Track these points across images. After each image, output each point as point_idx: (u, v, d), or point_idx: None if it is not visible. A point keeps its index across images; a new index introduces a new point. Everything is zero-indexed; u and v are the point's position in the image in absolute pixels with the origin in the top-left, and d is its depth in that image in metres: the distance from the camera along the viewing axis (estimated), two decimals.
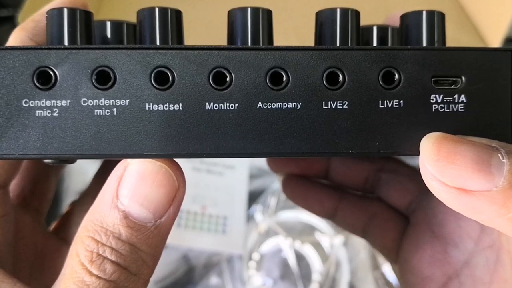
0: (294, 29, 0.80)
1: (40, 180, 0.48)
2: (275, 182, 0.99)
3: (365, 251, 0.93)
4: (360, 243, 0.90)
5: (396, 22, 0.38)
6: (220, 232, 0.96)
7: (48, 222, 0.51)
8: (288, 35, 0.79)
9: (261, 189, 1.00)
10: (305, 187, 0.57)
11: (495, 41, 0.82)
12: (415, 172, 0.54)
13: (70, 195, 0.95)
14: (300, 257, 0.94)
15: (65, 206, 0.92)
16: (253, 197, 0.99)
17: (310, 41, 0.37)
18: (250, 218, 0.98)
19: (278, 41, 0.37)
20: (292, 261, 0.94)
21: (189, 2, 0.86)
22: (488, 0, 0.85)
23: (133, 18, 0.37)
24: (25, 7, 0.72)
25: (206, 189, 0.98)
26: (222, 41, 0.36)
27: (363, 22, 0.37)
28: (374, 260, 0.93)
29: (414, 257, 0.49)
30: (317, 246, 0.95)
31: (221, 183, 0.99)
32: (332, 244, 0.94)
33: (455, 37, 0.86)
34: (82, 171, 0.93)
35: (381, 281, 0.92)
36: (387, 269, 0.92)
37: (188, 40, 0.38)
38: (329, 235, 0.95)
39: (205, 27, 0.75)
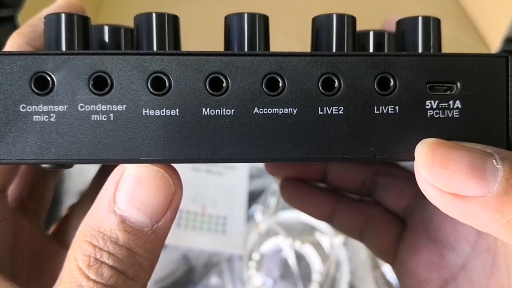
0: (294, 30, 0.80)
1: (38, 183, 0.48)
2: (275, 182, 0.99)
3: (365, 251, 0.93)
4: (360, 243, 0.91)
5: (393, 27, 0.39)
6: (220, 232, 0.96)
7: (48, 223, 0.51)
8: (288, 37, 0.80)
9: (261, 189, 1.00)
10: (303, 190, 0.57)
11: (495, 41, 0.82)
12: (412, 176, 0.53)
13: (70, 196, 0.95)
14: (300, 257, 0.95)
15: (65, 207, 0.92)
16: (253, 197, 1.00)
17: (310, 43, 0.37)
18: (250, 218, 0.98)
19: (278, 43, 0.37)
20: (292, 261, 0.94)
21: (188, 4, 0.86)
22: (488, 0, 0.85)
23: (132, 21, 0.37)
24: (25, 7, 0.72)
25: (206, 189, 0.99)
26: (221, 42, 0.37)
27: (363, 21, 0.37)
28: (374, 260, 0.93)
29: (411, 260, 0.50)
30: (317, 246, 0.95)
31: (221, 183, 1.00)
32: (332, 244, 0.94)
33: (455, 37, 0.86)
34: (82, 172, 0.93)
35: (381, 281, 0.92)
36: (387, 269, 0.92)
37: (187, 42, 0.38)
38: (329, 235, 0.95)
39: (205, 28, 0.75)
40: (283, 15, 0.85)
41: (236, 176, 1.01)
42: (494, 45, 0.82)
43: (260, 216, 0.98)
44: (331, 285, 0.93)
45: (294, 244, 0.95)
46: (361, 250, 0.94)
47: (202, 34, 0.74)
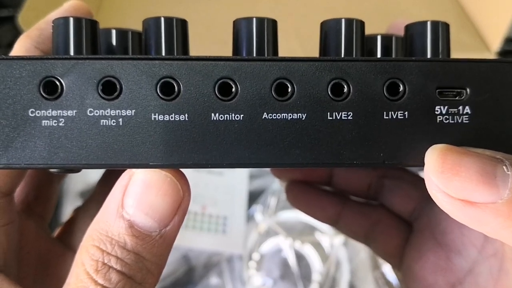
0: (294, 31, 0.80)
1: (44, 186, 0.48)
2: (275, 182, 0.99)
3: (365, 251, 0.93)
4: (360, 243, 0.91)
5: (399, 30, 0.38)
6: (220, 232, 0.96)
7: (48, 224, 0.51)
8: (288, 38, 0.80)
9: (261, 189, 1.00)
10: (308, 193, 0.57)
11: (495, 41, 0.83)
12: (419, 179, 0.54)
13: (70, 197, 0.95)
14: (300, 257, 0.95)
15: (64, 208, 0.92)
16: (253, 197, 1.00)
17: (311, 44, 0.37)
18: (250, 218, 0.98)
19: (279, 45, 0.37)
20: (292, 261, 0.94)
21: (187, 6, 0.86)
22: (488, 0, 0.85)
23: (132, 21, 0.37)
24: (25, 7, 0.72)
25: (206, 189, 0.99)
26: (222, 44, 0.37)
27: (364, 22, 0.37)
28: (374, 260, 0.93)
29: (417, 264, 0.50)
30: (317, 246, 0.95)
31: (221, 183, 1.00)
32: (332, 244, 0.94)
33: (455, 37, 0.86)
34: (82, 173, 0.93)
35: (381, 281, 0.92)
36: (387, 269, 0.92)
37: (191, 42, 0.38)
38: (329, 235, 0.95)
39: (204, 29, 0.75)
40: (283, 16, 0.85)
41: (236, 176, 1.01)
42: (494, 45, 0.83)
43: (260, 216, 0.98)
44: (331, 285, 0.93)
45: (294, 244, 0.95)
46: (361, 250, 0.94)
47: (202, 36, 0.74)
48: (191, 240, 0.95)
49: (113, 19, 0.87)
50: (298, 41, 0.80)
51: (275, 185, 0.99)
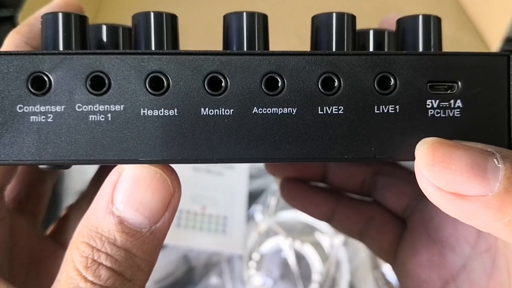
0: (294, 29, 0.79)
1: (36, 184, 0.48)
2: (275, 182, 0.99)
3: (365, 251, 0.93)
4: (360, 243, 0.90)
5: (392, 25, 0.38)
6: (220, 232, 0.96)
7: (47, 223, 0.51)
8: (288, 36, 0.79)
9: (261, 189, 1.00)
10: (302, 190, 0.57)
11: (495, 41, 0.82)
12: (412, 175, 0.53)
13: (69, 195, 0.95)
14: (300, 257, 0.94)
15: (64, 206, 0.92)
16: (253, 197, 1.00)
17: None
18: (250, 218, 0.98)
19: (278, 42, 0.36)
20: (292, 261, 0.94)
21: (187, 4, 0.86)
22: (488, 0, 0.85)
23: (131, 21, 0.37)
24: (25, 7, 0.72)
25: (206, 189, 0.98)
26: (220, 42, 0.36)
27: (363, 20, 0.37)
28: (374, 260, 0.93)
29: (411, 261, 0.49)
30: (317, 246, 0.95)
31: (221, 183, 0.99)
32: (332, 244, 0.94)
33: (455, 37, 0.86)
34: (82, 171, 0.93)
35: (381, 281, 0.92)
36: (387, 269, 0.92)
37: (187, 42, 0.38)
38: (329, 235, 0.95)
39: (204, 27, 0.75)
40: (283, 13, 0.85)
41: (236, 176, 1.00)
42: (494, 45, 0.82)
43: (260, 216, 0.97)
44: (331, 285, 0.93)
45: (294, 244, 0.95)
46: (361, 250, 0.94)
47: (201, 34, 0.74)
48: (191, 240, 0.95)
49: (113, 20, 0.87)
50: (299, 40, 0.80)
51: (275, 185, 0.99)
